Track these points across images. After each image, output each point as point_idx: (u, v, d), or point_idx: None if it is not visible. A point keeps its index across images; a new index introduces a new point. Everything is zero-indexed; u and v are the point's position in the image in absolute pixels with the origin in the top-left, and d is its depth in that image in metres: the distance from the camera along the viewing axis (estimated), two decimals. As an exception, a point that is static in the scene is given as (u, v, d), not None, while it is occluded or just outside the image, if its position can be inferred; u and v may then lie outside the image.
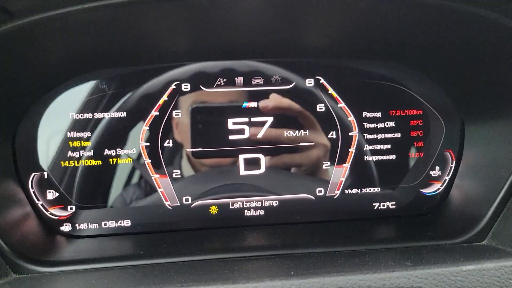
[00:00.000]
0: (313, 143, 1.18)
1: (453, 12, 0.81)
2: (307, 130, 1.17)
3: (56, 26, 0.76)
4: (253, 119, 1.15)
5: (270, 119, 1.16)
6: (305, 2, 0.77)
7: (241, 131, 1.16)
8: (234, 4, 0.79)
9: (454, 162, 1.21)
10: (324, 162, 1.19)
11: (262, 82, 1.16)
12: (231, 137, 1.15)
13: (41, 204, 1.11)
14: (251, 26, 0.93)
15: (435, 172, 1.22)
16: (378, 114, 1.20)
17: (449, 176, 1.22)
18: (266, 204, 1.19)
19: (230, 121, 1.15)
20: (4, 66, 0.88)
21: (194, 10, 0.80)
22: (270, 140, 1.16)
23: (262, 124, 1.16)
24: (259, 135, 1.16)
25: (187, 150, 1.15)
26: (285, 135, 1.17)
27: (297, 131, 1.17)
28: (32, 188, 1.10)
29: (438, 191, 1.22)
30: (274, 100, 1.16)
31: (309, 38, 1.03)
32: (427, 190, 1.23)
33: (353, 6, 0.80)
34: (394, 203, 1.22)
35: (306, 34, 1.00)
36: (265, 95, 1.16)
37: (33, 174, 1.10)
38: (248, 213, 1.18)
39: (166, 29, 0.89)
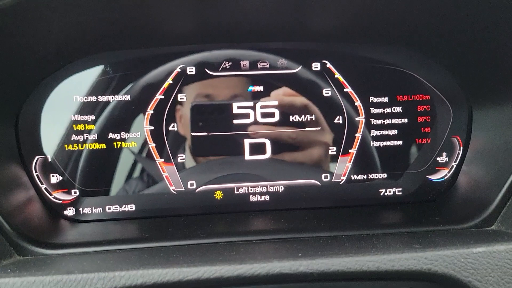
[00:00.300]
0: (319, 128, 1.17)
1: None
2: (313, 115, 1.16)
3: (57, 3, 0.75)
4: (259, 103, 1.14)
5: (275, 103, 1.14)
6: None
7: (246, 115, 1.15)
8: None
9: (461, 148, 1.20)
10: (330, 148, 1.18)
11: (268, 66, 1.15)
12: (236, 121, 1.14)
13: (45, 188, 1.10)
14: (256, 8, 0.91)
15: (442, 159, 1.21)
16: (385, 99, 1.19)
17: (457, 163, 1.20)
18: (272, 189, 1.17)
19: (235, 105, 1.14)
20: (3, 46, 0.87)
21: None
22: (276, 124, 1.15)
23: (268, 108, 1.15)
24: (265, 119, 1.15)
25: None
26: (291, 119, 1.16)
27: (303, 116, 1.16)
28: (36, 171, 1.09)
29: (445, 178, 1.21)
30: (284, 91, 1.15)
31: (315, 21, 1.01)
32: (434, 177, 1.22)
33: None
34: (400, 189, 1.21)
35: (311, 17, 0.98)
36: (270, 79, 1.15)
37: (36, 157, 1.09)
38: (253, 198, 1.17)
39: (171, 10, 0.87)
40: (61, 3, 0.75)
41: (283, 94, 1.15)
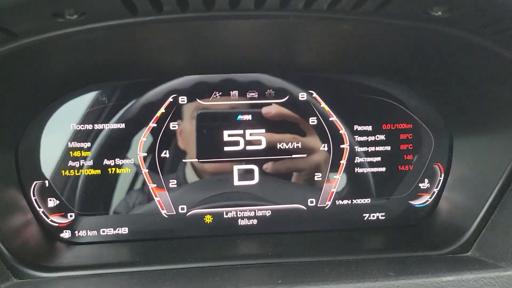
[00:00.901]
0: (305, 155, 1.22)
1: (440, 36, 0.84)
2: (300, 142, 1.21)
3: (56, 45, 0.81)
4: (248, 131, 1.20)
5: (263, 132, 1.20)
6: (294, 25, 0.81)
7: (236, 143, 1.20)
8: (228, 26, 0.84)
9: (442, 174, 1.25)
10: (315, 174, 1.23)
11: (256, 96, 1.21)
12: (226, 148, 1.20)
13: (42, 212, 1.15)
14: (245, 45, 0.97)
15: (424, 184, 1.26)
16: (369, 128, 1.24)
17: (438, 188, 1.25)
18: (259, 213, 1.22)
19: (226, 133, 1.19)
20: (8, 81, 0.93)
21: (190, 31, 0.85)
22: (264, 151, 1.20)
23: (256, 136, 1.20)
24: (253, 147, 1.20)
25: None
26: (278, 147, 1.21)
27: (290, 143, 1.21)
28: (34, 195, 1.14)
29: (427, 203, 1.26)
30: (276, 107, 1.21)
31: (301, 55, 1.07)
32: (416, 202, 1.26)
33: (338, 27, 0.84)
34: (384, 214, 1.26)
35: (297, 52, 1.05)
36: (259, 108, 1.20)
37: (35, 182, 1.15)
38: (241, 222, 1.22)
39: (163, 46, 0.93)
40: (63, 45, 0.81)
41: (278, 115, 1.21)
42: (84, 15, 0.69)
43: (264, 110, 1.20)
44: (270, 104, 1.21)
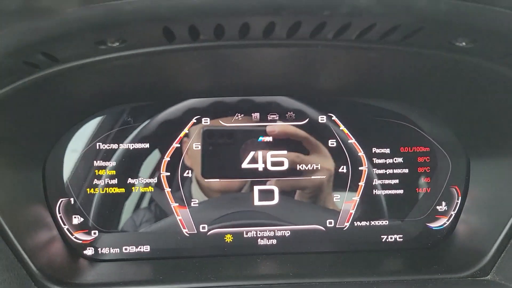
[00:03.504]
0: (324, 177, 1.24)
1: (458, 63, 0.87)
2: (319, 164, 1.23)
3: (93, 69, 0.84)
4: (269, 153, 1.22)
5: (284, 153, 1.22)
6: (320, 52, 0.85)
7: (256, 164, 1.22)
8: (251, 54, 0.87)
9: (460, 197, 1.26)
10: (334, 195, 1.25)
11: (277, 118, 1.23)
12: (245, 168, 1.22)
13: (67, 229, 1.18)
14: (270, 70, 1.00)
15: (442, 207, 1.27)
16: (387, 150, 1.26)
17: (455, 211, 1.26)
18: (279, 233, 1.24)
19: (245, 154, 1.22)
20: (41, 102, 0.96)
21: (216, 58, 0.88)
22: (284, 172, 1.23)
23: (277, 157, 1.22)
24: (274, 168, 1.22)
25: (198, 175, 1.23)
26: (298, 168, 1.23)
27: (309, 165, 1.23)
28: (59, 213, 1.17)
29: (445, 226, 1.27)
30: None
31: (323, 80, 1.10)
32: (434, 224, 1.28)
33: (364, 56, 0.87)
34: (401, 236, 1.27)
35: (319, 77, 1.07)
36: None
37: (60, 199, 1.17)
38: (261, 242, 1.24)
39: (192, 71, 0.96)
40: (98, 69, 0.85)
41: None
42: (124, 43, 0.72)
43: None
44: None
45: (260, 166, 1.22)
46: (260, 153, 1.22)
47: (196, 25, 0.68)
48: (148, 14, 0.61)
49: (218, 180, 1.23)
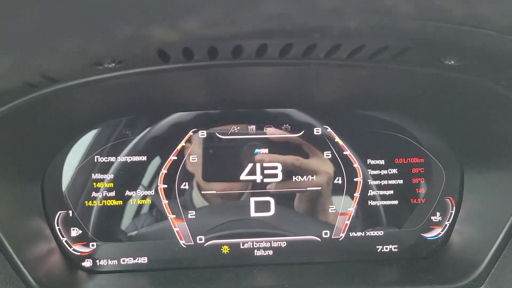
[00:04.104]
0: (319, 188, 1.25)
1: (449, 79, 0.89)
2: (314, 176, 1.25)
3: (89, 88, 0.86)
4: (265, 165, 1.24)
5: (279, 166, 1.24)
6: (310, 70, 0.86)
7: (252, 175, 1.24)
8: (245, 71, 0.89)
9: (454, 208, 1.28)
10: (330, 206, 1.27)
11: (273, 130, 1.25)
12: (242, 179, 1.23)
13: (65, 241, 1.19)
14: (262, 87, 1.02)
15: (436, 217, 1.29)
16: (382, 162, 1.27)
17: (449, 222, 1.28)
18: (275, 244, 1.26)
19: (242, 165, 1.23)
20: (39, 118, 0.98)
21: (210, 75, 0.90)
22: (280, 184, 1.24)
23: (272, 169, 1.24)
24: (270, 179, 1.24)
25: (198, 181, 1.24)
26: (293, 180, 1.25)
27: (305, 177, 1.25)
28: (58, 225, 1.18)
29: (439, 236, 1.29)
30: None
31: (317, 94, 1.12)
32: (428, 235, 1.29)
33: (356, 73, 0.88)
34: (396, 246, 1.29)
35: (314, 91, 1.09)
36: (276, 142, 1.25)
37: (59, 212, 1.19)
38: (257, 253, 1.25)
39: (185, 88, 0.98)
40: (95, 88, 0.86)
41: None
42: (121, 63, 0.74)
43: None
44: (285, 138, 1.25)
45: (257, 178, 1.24)
46: (257, 165, 1.23)
47: (190, 47, 0.70)
48: (142, 38, 0.62)
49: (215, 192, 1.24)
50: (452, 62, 0.78)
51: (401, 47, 0.74)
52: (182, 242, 1.23)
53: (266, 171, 1.24)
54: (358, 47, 0.73)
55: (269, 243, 1.25)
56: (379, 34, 0.68)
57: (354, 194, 1.27)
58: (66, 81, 0.79)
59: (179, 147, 1.23)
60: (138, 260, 1.22)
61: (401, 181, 1.28)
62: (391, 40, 0.71)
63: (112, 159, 1.22)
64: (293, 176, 1.25)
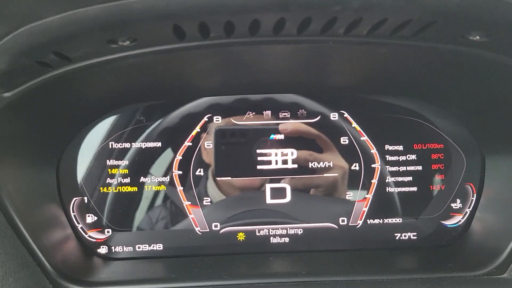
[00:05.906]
0: (336, 174, 1.23)
1: (472, 58, 0.86)
2: (331, 162, 1.23)
3: (104, 68, 0.85)
4: (280, 150, 1.22)
5: (295, 152, 1.22)
6: (331, 49, 0.84)
7: (268, 162, 1.22)
8: (262, 51, 0.87)
9: (475, 195, 1.25)
10: (347, 193, 1.24)
11: (289, 116, 1.23)
12: (258, 167, 1.22)
13: (81, 227, 1.19)
14: (281, 67, 1.00)
15: (456, 205, 1.26)
16: (400, 147, 1.25)
17: (470, 209, 1.25)
18: (291, 232, 1.24)
19: (258, 152, 1.22)
20: (54, 100, 0.97)
21: (226, 55, 0.88)
22: (296, 170, 1.22)
23: (288, 155, 1.22)
24: (286, 166, 1.22)
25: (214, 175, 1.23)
26: (310, 166, 1.23)
27: (321, 163, 1.22)
28: (73, 212, 1.18)
29: (459, 223, 1.25)
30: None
31: (334, 77, 1.10)
32: (448, 222, 1.26)
33: (375, 51, 0.86)
34: (415, 233, 1.26)
35: (331, 74, 1.07)
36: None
37: (74, 199, 1.18)
38: (273, 240, 1.24)
39: (204, 69, 0.96)
40: (110, 68, 0.85)
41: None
42: (135, 41, 0.73)
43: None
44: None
45: (272, 165, 1.22)
46: (272, 151, 1.21)
47: (206, 23, 0.68)
48: (157, 12, 0.61)
49: (230, 178, 1.23)
50: (478, 37, 0.75)
51: (424, 21, 0.71)
52: (197, 229, 1.22)
53: (282, 157, 1.22)
54: (379, 21, 0.71)
55: (285, 230, 1.24)
56: (402, 6, 0.65)
57: (372, 181, 1.25)
58: (80, 60, 0.78)
59: (193, 133, 1.22)
60: (153, 247, 1.22)
61: (420, 168, 1.25)
62: (414, 13, 0.68)
63: (127, 145, 1.21)
64: (310, 162, 1.23)
